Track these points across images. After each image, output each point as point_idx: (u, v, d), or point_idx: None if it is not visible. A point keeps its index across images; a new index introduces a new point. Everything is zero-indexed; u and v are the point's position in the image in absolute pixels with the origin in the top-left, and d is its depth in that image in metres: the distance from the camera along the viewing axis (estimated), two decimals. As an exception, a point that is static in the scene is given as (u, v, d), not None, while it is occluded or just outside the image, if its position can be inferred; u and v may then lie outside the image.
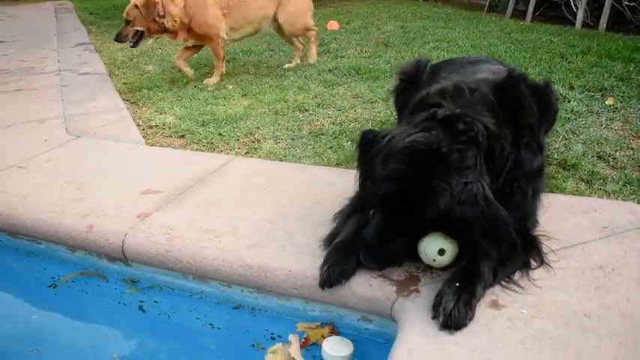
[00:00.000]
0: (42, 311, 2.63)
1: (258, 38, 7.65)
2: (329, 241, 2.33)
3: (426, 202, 1.94)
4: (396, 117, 3.30)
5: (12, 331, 2.51)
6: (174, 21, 5.24)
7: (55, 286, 2.70)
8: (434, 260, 2.10)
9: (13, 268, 2.90)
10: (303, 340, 2.21)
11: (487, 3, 9.49)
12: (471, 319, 1.87)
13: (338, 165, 3.39)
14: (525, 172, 2.23)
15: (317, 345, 2.17)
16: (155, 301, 2.55)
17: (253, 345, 2.25)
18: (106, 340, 2.45)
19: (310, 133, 3.97)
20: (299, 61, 5.99)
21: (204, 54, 6.70)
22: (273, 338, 2.26)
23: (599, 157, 3.30)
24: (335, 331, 2.24)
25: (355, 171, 2.28)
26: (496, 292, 2.03)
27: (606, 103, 4.14)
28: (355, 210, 2.37)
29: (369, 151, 2.15)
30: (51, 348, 2.37)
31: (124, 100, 5.08)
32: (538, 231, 2.33)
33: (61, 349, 2.39)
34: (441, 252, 2.07)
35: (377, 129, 2.25)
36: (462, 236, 2.04)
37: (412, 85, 2.91)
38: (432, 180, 1.93)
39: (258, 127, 4.16)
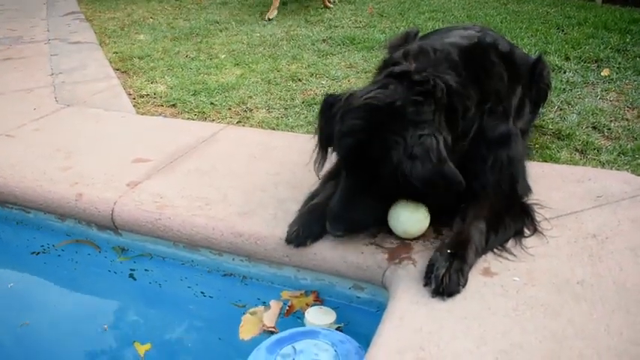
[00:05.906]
0: (31, 281, 2.62)
1: (251, 8, 7.55)
2: (307, 202, 2.34)
3: (382, 156, 1.93)
4: None
5: (1, 301, 2.50)
6: None
7: (39, 253, 2.67)
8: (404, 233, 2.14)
9: (2, 238, 2.87)
10: (287, 307, 2.20)
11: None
12: (463, 285, 1.86)
13: (331, 134, 3.35)
14: (487, 139, 2.17)
15: (301, 312, 2.17)
16: (146, 270, 2.54)
17: (235, 304, 2.27)
18: (96, 308, 2.45)
19: (303, 103, 3.93)
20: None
21: (197, 24, 6.61)
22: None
23: (594, 128, 3.28)
24: (319, 299, 2.24)
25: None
26: (488, 260, 2.02)
27: (602, 74, 4.10)
28: (337, 174, 2.34)
29: (331, 112, 2.13)
30: (41, 317, 2.36)
31: (114, 69, 4.99)
32: (531, 199, 2.32)
33: (51, 318, 2.38)
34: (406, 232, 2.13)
35: (338, 93, 2.23)
36: (424, 200, 2.05)
37: None
38: (387, 134, 1.93)
39: (250, 97, 4.11)
